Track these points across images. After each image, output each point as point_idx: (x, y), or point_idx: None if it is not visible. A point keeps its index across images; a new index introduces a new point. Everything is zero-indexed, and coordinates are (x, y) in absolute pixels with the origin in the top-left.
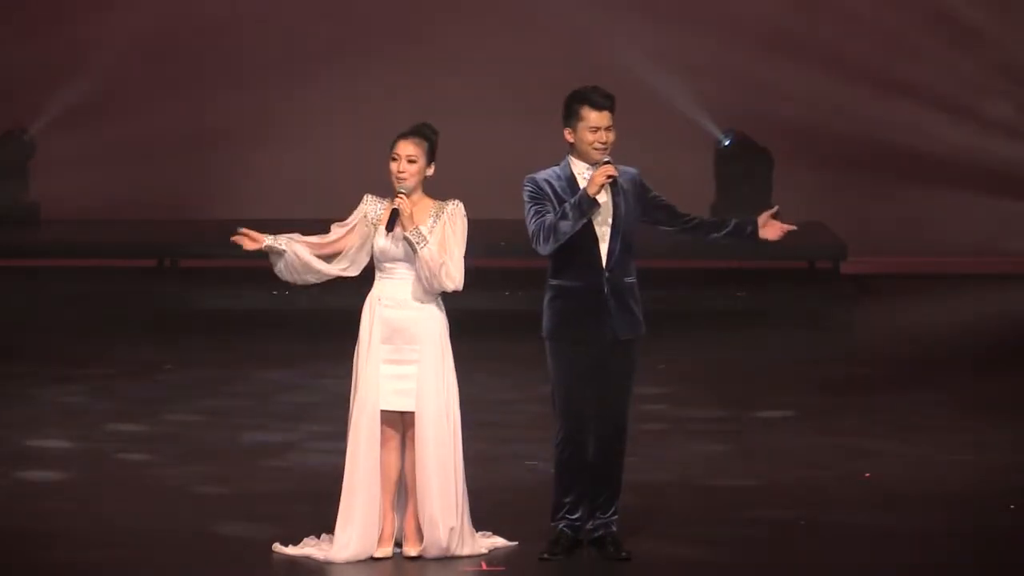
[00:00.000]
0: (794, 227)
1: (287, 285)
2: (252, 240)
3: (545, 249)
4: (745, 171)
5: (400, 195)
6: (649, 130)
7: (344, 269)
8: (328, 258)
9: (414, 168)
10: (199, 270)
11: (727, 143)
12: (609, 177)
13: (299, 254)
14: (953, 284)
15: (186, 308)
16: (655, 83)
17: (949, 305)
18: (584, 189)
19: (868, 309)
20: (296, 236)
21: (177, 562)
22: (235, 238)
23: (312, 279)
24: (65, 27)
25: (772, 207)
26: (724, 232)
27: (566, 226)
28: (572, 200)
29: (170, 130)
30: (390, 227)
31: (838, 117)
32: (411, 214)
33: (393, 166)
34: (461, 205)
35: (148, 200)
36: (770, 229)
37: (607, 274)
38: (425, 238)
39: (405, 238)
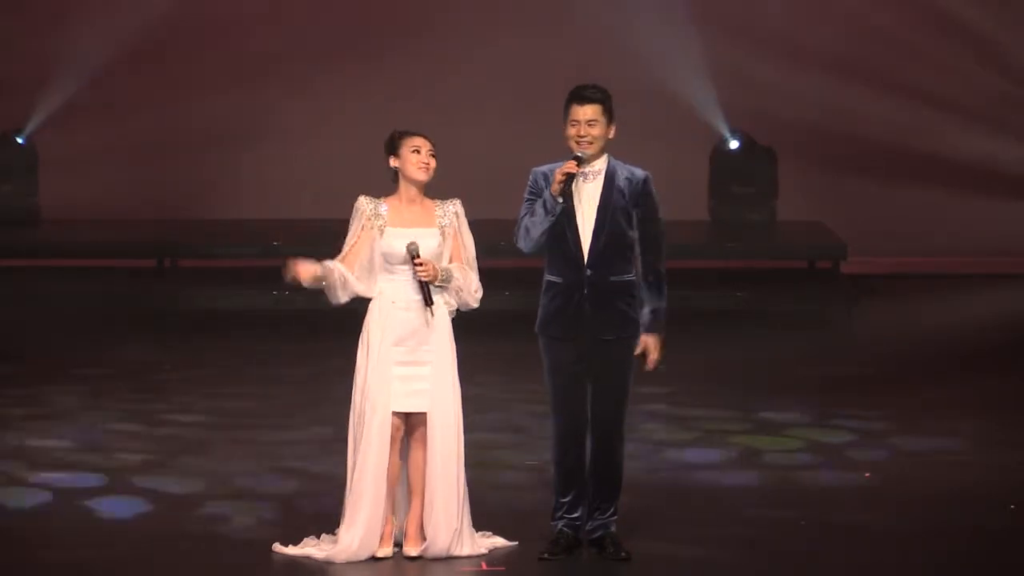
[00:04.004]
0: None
1: (287, 285)
2: (305, 271)
3: (523, 245)
4: (748, 171)
5: (419, 262)
6: (650, 130)
7: (372, 289)
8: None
9: (434, 163)
10: (199, 270)
11: (735, 144)
12: (566, 175)
13: (344, 274)
14: (953, 284)
15: (186, 308)
16: (657, 83)
17: (949, 305)
18: (549, 188)
19: (868, 309)
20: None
21: (177, 562)
22: (286, 272)
23: (344, 298)
24: (64, 27)
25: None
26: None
27: (533, 224)
28: (540, 199)
29: (170, 130)
30: (428, 302)
31: (839, 117)
32: (434, 268)
33: (416, 158)
34: (461, 205)
35: (148, 200)
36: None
37: (588, 272)
38: (451, 272)
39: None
